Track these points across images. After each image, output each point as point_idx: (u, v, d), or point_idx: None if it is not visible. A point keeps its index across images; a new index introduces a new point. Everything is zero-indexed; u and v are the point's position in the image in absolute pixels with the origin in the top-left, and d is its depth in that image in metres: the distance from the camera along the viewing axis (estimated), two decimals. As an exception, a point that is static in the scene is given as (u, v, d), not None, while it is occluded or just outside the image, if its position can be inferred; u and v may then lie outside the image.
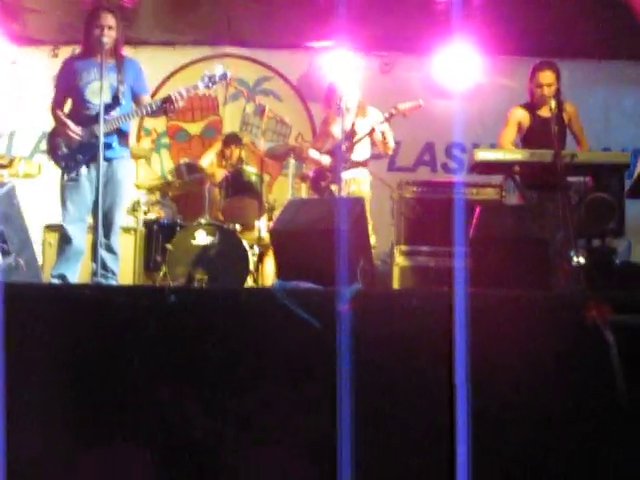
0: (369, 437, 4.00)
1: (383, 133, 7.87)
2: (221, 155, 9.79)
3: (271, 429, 4.11)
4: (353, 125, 8.00)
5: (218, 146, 9.76)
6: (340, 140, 7.74)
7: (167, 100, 6.67)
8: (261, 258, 8.49)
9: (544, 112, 7.58)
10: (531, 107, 7.73)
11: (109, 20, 6.69)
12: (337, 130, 7.98)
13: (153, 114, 6.94)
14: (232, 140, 9.68)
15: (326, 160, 8.09)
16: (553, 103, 7.20)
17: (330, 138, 8.25)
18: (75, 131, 6.56)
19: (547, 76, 7.64)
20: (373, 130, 7.85)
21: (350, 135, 7.91)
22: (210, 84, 6.94)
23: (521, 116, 7.72)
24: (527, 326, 4.14)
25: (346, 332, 4.01)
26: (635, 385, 4.00)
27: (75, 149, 6.59)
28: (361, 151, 8.02)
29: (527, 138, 7.66)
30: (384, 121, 7.88)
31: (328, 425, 3.92)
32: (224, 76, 7.00)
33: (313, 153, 8.31)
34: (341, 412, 3.90)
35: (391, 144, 8.05)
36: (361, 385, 4.07)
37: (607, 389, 4.01)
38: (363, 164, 8.06)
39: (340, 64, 9.95)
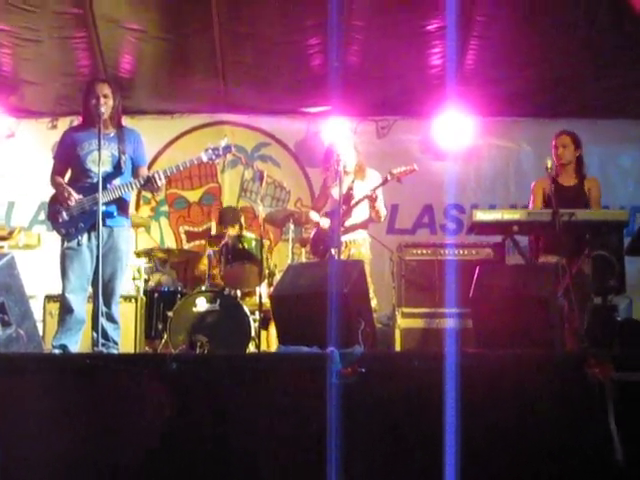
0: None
1: (373, 200, 7.86)
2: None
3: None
4: (351, 189, 8.00)
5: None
6: (338, 203, 7.76)
7: (149, 180, 6.69)
8: (266, 324, 8.46)
9: (563, 180, 7.62)
10: (552, 176, 7.66)
11: (105, 89, 6.75)
12: (336, 192, 8.01)
13: (143, 188, 7.02)
14: (227, 218, 9.66)
15: (325, 223, 8.10)
16: (549, 163, 7.22)
17: (330, 200, 8.25)
18: (75, 198, 6.57)
19: (561, 138, 7.69)
20: (365, 198, 7.85)
21: (347, 198, 7.90)
22: (214, 157, 6.94)
23: (544, 185, 7.64)
24: (528, 385, 4.13)
25: (346, 395, 4.01)
26: (635, 442, 3.99)
27: (76, 216, 6.59)
28: (360, 213, 8.02)
29: (546, 206, 7.57)
30: (379, 185, 7.88)
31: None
32: (228, 149, 7.00)
33: (313, 215, 8.31)
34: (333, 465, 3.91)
35: (382, 212, 8.05)
36: (357, 446, 4.06)
37: (607, 449, 4.00)
38: (362, 226, 8.05)
39: (337, 129, 10.03)
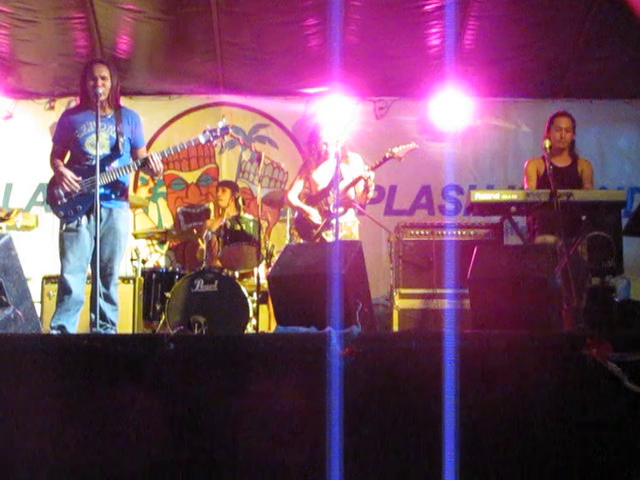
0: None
1: (367, 180, 7.80)
2: (216, 202, 9.86)
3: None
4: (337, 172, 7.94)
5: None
6: (328, 186, 7.78)
7: (146, 162, 6.68)
8: (264, 304, 8.46)
9: (557, 161, 7.59)
10: (548, 157, 7.59)
11: (103, 71, 6.71)
12: (318, 176, 7.99)
13: (142, 170, 7.00)
14: (224, 184, 9.76)
15: (315, 215, 8.04)
16: (547, 143, 7.21)
17: (309, 184, 8.20)
18: (74, 181, 6.56)
19: (564, 121, 7.68)
20: (360, 178, 7.80)
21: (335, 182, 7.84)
22: (212, 138, 6.93)
23: (537, 165, 7.66)
24: (525, 366, 4.13)
25: (343, 375, 4.01)
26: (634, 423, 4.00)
27: (75, 199, 6.58)
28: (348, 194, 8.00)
29: (540, 186, 7.56)
30: (372, 169, 7.81)
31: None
32: (225, 130, 6.99)
33: (294, 200, 8.22)
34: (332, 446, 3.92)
35: (370, 194, 8.00)
36: (356, 426, 4.07)
37: (606, 429, 4.00)
38: (350, 205, 8.01)
39: (334, 110, 10.00)
